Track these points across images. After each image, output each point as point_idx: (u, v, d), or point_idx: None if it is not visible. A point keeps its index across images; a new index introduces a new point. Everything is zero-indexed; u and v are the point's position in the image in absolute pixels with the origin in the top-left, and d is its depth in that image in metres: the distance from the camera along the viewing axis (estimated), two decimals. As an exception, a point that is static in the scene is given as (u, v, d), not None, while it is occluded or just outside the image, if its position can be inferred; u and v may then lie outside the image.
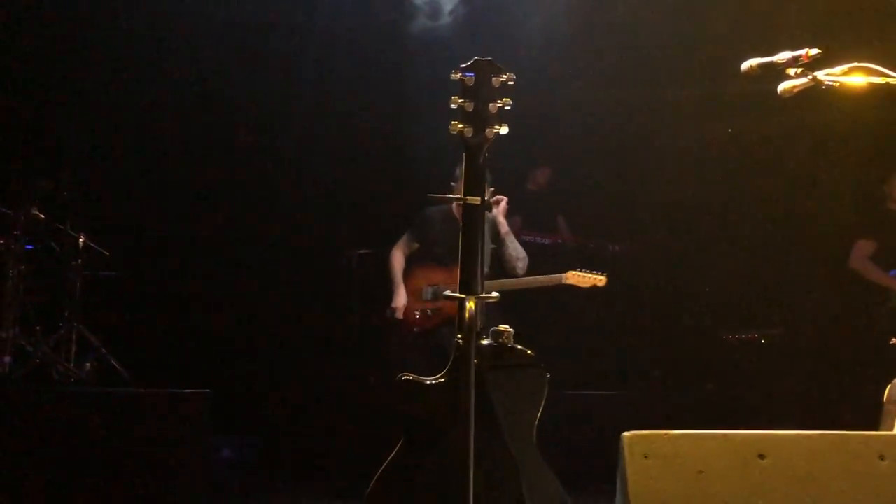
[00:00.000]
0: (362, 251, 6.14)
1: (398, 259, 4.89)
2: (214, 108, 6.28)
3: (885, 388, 4.35)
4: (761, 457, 1.54)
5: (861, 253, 5.41)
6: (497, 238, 4.82)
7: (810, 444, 1.57)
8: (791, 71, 3.17)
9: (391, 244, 6.09)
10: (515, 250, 4.79)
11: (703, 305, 6.39)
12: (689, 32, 5.42)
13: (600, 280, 4.76)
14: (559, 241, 6.80)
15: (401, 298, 4.75)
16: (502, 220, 4.84)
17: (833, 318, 5.87)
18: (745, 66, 3.33)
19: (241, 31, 5.99)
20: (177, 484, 4.23)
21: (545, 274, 6.46)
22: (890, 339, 4.33)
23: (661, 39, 5.54)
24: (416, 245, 4.91)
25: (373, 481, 2.39)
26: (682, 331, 6.44)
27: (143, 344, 5.79)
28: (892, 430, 4.22)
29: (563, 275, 4.73)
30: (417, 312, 4.71)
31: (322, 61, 6.13)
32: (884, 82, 3.04)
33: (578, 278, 4.74)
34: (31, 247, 5.21)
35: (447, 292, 4.20)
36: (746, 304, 6.35)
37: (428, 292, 4.74)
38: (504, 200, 4.82)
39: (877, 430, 4.28)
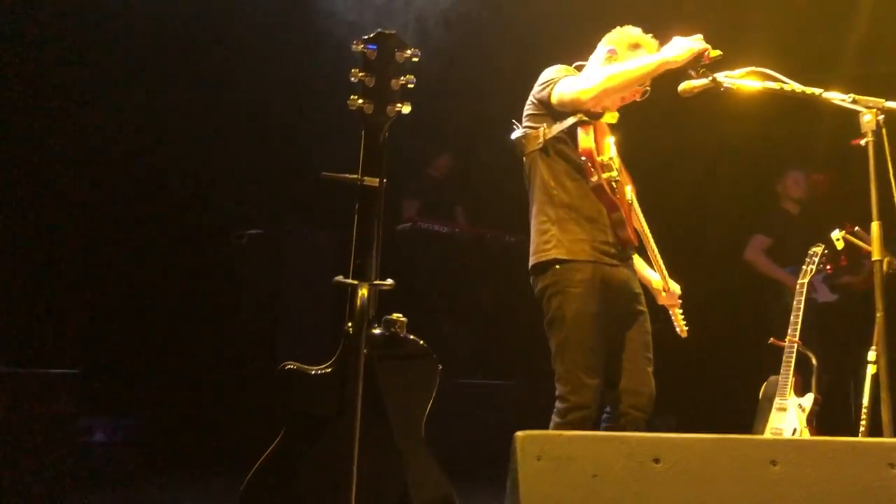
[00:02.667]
0: (252, 231, 5.94)
1: None
2: (94, 75, 5.90)
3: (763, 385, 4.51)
4: (656, 461, 1.50)
5: (757, 246, 5.56)
6: None
7: (704, 447, 1.54)
8: (692, 71, 3.22)
9: (281, 224, 5.94)
10: None
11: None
12: (590, 24, 5.42)
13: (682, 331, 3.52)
14: (455, 230, 6.77)
15: None
16: None
17: (727, 313, 6.00)
18: (647, 62, 3.35)
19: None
20: (44, 469, 3.98)
21: (442, 265, 6.41)
22: (777, 337, 4.44)
23: (566, 29, 5.52)
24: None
25: (251, 472, 2.26)
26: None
27: (8, 321, 5.41)
28: (765, 427, 4.38)
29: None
30: (604, 165, 3.06)
31: (210, 28, 5.84)
32: (778, 87, 3.12)
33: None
34: None
35: None
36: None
37: (614, 151, 3.16)
38: None
39: (753, 426, 4.44)
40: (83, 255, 5.95)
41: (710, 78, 3.15)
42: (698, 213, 6.27)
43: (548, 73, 3.23)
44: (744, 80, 3.17)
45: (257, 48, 5.80)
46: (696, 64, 3.18)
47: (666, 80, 3.25)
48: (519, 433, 1.54)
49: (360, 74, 2.17)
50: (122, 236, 6.06)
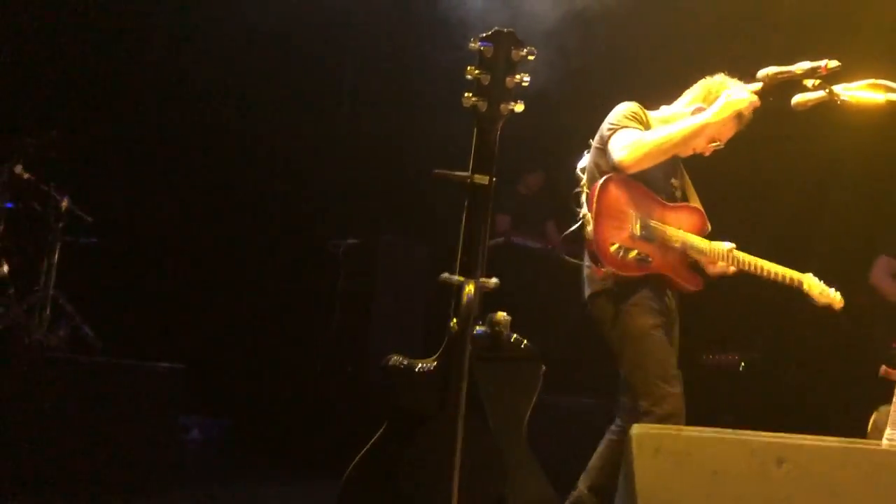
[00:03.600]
0: (351, 241, 6.04)
1: None
2: (206, 84, 6.16)
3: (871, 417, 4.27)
4: (780, 463, 1.44)
5: (883, 268, 5.15)
6: None
7: (832, 453, 1.47)
8: (808, 82, 3.08)
9: (379, 234, 6.03)
10: None
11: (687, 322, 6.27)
12: (700, 37, 5.31)
13: (837, 302, 3.52)
14: (549, 246, 6.72)
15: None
16: None
17: (839, 337, 5.68)
18: (761, 73, 3.23)
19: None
20: (144, 457, 4.11)
21: (535, 281, 6.36)
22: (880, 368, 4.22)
23: (670, 44, 5.43)
24: None
25: (351, 466, 2.27)
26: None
27: (118, 314, 5.65)
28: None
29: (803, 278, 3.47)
30: (621, 249, 3.08)
31: (309, 35, 6.00)
32: (904, 100, 2.96)
33: (818, 291, 3.47)
34: (11, 205, 5.06)
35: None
36: (731, 324, 6.23)
37: (639, 224, 3.13)
38: None
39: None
40: (193, 259, 6.20)
41: (827, 90, 3.02)
42: (810, 231, 5.99)
43: (617, 115, 3.25)
44: (863, 93, 3.03)
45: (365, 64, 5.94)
46: (812, 75, 3.06)
47: (779, 92, 3.14)
48: (635, 426, 1.51)
49: (476, 72, 2.18)
50: (230, 242, 6.30)
